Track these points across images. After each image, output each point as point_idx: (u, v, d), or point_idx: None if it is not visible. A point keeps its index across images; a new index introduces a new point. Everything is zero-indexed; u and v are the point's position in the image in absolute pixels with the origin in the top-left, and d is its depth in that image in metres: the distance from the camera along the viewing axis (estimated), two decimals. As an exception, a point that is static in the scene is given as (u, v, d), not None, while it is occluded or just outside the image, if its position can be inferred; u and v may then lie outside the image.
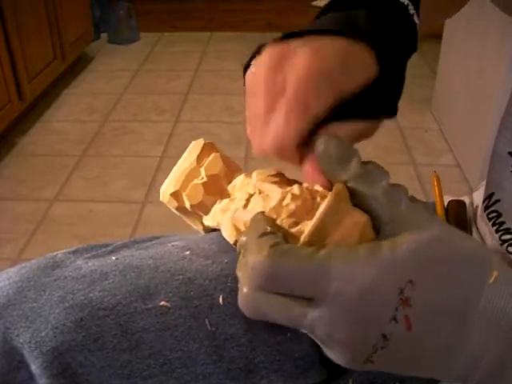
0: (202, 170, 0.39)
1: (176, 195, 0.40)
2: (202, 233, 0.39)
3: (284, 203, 0.33)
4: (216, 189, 0.38)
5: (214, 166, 0.38)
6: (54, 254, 0.53)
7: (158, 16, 3.56)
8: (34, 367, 0.46)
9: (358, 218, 0.32)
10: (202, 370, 0.48)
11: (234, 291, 0.49)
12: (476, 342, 0.31)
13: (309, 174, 0.36)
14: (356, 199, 0.34)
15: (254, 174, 0.37)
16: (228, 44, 3.22)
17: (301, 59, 0.35)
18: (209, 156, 0.39)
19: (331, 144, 0.35)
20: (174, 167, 0.40)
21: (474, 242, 0.34)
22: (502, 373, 0.31)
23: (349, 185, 0.34)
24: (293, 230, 0.32)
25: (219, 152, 0.39)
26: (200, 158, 0.40)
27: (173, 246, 0.54)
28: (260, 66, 0.38)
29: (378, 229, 0.33)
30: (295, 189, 0.33)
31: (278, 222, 0.33)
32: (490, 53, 1.78)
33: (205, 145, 0.40)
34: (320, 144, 0.35)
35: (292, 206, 0.33)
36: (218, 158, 0.38)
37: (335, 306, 0.30)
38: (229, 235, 0.36)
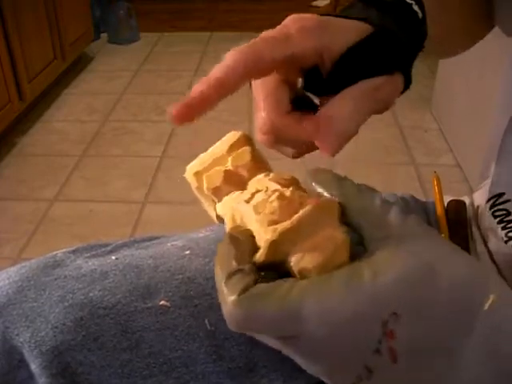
0: (229, 159, 0.39)
1: (198, 175, 0.40)
2: (215, 220, 0.39)
3: (270, 199, 0.33)
4: (236, 180, 0.38)
5: (241, 158, 0.38)
6: (54, 253, 0.53)
7: (158, 16, 3.56)
8: (34, 366, 0.46)
9: (338, 234, 0.30)
10: (201, 370, 0.48)
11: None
12: (469, 375, 0.29)
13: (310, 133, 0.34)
14: (347, 217, 0.32)
15: (272, 174, 0.37)
16: (228, 44, 3.17)
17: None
18: (240, 148, 0.39)
19: (321, 172, 0.34)
20: (205, 152, 0.40)
21: (469, 266, 0.30)
22: None
23: (341, 201, 0.32)
24: (269, 228, 0.31)
25: (252, 146, 0.39)
26: (231, 148, 0.40)
27: (172, 245, 0.54)
28: None
29: (365, 246, 0.31)
30: (287, 191, 0.33)
31: (259, 217, 0.32)
32: (490, 52, 1.78)
33: (240, 137, 0.40)
34: (310, 175, 0.34)
35: (275, 204, 0.32)
36: (247, 152, 0.38)
37: (310, 344, 0.29)
38: (226, 224, 0.36)
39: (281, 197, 0.32)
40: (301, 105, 0.37)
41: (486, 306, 0.29)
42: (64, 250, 0.54)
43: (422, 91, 2.57)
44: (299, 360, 0.31)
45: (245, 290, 0.29)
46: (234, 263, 0.31)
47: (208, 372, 0.48)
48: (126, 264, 0.51)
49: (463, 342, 0.29)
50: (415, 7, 0.39)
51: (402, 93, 0.38)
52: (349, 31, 0.35)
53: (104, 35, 3.30)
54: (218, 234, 0.56)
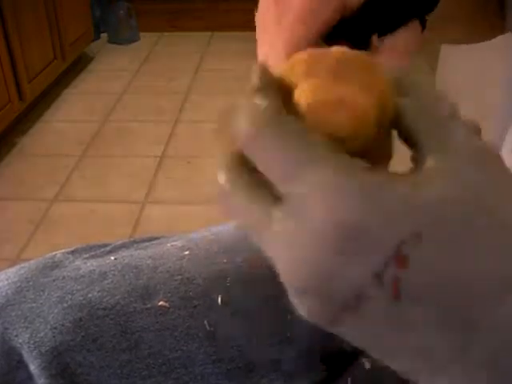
0: None
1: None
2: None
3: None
4: None
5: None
6: (53, 254, 0.53)
7: (158, 16, 3.56)
8: (33, 367, 0.46)
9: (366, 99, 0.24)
10: (200, 370, 0.48)
11: (232, 291, 0.49)
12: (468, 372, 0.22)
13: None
14: (403, 118, 0.25)
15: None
16: (228, 44, 3.22)
17: None
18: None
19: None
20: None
21: None
22: None
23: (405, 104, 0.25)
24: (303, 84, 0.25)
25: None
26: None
27: (172, 245, 0.54)
28: None
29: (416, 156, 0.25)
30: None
31: (289, 71, 0.26)
32: (490, 52, 1.78)
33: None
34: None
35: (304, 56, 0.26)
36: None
37: (302, 211, 0.22)
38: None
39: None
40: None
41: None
42: (63, 250, 0.54)
43: (422, 91, 2.57)
44: (280, 245, 0.23)
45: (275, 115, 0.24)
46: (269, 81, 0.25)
47: (207, 373, 0.48)
48: (125, 264, 0.51)
49: (489, 313, 0.22)
50: None
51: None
52: None
53: (104, 35, 3.30)
54: (217, 235, 0.56)
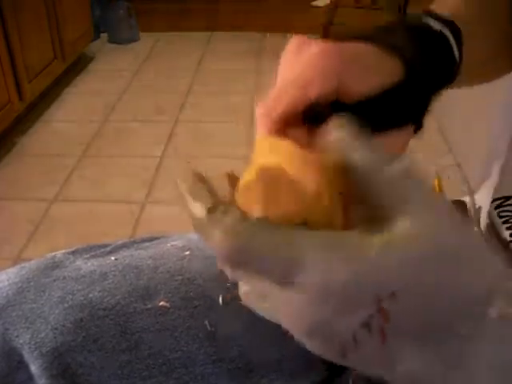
0: None
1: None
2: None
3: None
4: None
5: None
6: (54, 254, 0.53)
7: (158, 16, 3.56)
8: (34, 368, 0.46)
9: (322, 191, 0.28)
10: (201, 371, 0.48)
11: (232, 291, 0.49)
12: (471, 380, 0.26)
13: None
14: (359, 179, 0.29)
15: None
16: (228, 44, 3.22)
17: (316, 45, 0.35)
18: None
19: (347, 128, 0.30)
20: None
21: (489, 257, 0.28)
22: None
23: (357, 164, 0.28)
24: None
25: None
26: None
27: (172, 246, 0.54)
28: (284, 52, 0.38)
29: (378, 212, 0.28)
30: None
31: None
32: (490, 52, 1.78)
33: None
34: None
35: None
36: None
37: (300, 294, 0.27)
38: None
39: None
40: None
41: (493, 315, 0.26)
42: (63, 250, 0.54)
43: (422, 91, 2.57)
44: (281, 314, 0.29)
45: (238, 221, 0.27)
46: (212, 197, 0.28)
47: (208, 373, 0.48)
48: (126, 265, 0.51)
49: (465, 345, 0.26)
50: (455, 51, 0.39)
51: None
52: (374, 73, 0.35)
53: (104, 35, 3.30)
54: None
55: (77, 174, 2.06)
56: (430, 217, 0.27)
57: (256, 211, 0.28)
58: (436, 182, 0.62)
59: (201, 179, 0.30)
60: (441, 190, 0.61)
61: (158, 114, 2.49)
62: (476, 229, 0.57)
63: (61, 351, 0.46)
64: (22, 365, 0.47)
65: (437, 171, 0.65)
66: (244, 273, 0.28)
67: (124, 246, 0.55)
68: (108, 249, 0.54)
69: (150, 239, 0.57)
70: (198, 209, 0.28)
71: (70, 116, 2.48)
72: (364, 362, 0.28)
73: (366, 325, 0.26)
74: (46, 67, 2.43)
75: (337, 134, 0.30)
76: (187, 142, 2.26)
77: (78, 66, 2.90)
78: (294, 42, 0.37)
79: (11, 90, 2.12)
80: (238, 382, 0.48)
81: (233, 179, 0.32)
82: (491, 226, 0.54)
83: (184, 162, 2.11)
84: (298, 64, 0.36)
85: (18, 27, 2.15)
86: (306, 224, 0.28)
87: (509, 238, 0.51)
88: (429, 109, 0.39)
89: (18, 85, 2.17)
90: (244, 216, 0.27)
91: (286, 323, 0.29)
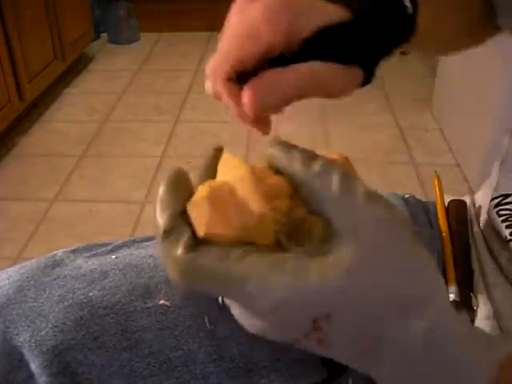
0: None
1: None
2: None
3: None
4: None
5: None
6: (54, 253, 0.53)
7: (158, 16, 3.56)
8: (34, 366, 0.46)
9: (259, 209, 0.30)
10: (201, 369, 0.48)
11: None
12: (382, 373, 0.32)
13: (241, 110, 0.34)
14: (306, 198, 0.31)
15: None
16: (228, 44, 3.21)
17: None
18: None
19: (281, 147, 0.32)
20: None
21: (412, 275, 0.30)
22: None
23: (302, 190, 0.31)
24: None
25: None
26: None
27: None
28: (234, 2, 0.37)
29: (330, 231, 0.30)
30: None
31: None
32: (490, 52, 1.78)
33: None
34: (274, 152, 0.32)
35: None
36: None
37: (248, 310, 0.30)
38: None
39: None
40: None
41: (411, 331, 0.29)
42: (64, 249, 0.54)
43: (421, 91, 2.57)
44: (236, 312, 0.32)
45: (187, 249, 0.29)
46: (168, 213, 0.30)
47: (208, 372, 0.48)
48: (126, 263, 0.51)
49: (382, 349, 0.30)
50: (407, 2, 0.37)
51: (363, 86, 0.38)
52: (322, 13, 0.34)
53: (104, 35, 3.30)
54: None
55: (77, 174, 2.06)
56: (368, 241, 0.29)
57: (201, 230, 0.30)
58: (435, 182, 0.62)
59: (179, 178, 0.32)
60: (440, 189, 0.61)
61: (158, 114, 2.49)
62: (474, 228, 0.57)
63: (61, 349, 0.46)
64: (22, 363, 0.47)
65: (437, 171, 0.65)
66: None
67: (124, 245, 0.55)
68: (109, 248, 0.54)
69: (150, 239, 0.58)
70: (160, 225, 0.30)
71: (70, 116, 2.48)
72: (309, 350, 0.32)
73: (306, 335, 0.30)
74: (46, 67, 2.43)
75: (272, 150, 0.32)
76: (187, 142, 2.26)
77: (78, 65, 2.90)
78: None
79: (11, 90, 2.11)
80: (238, 381, 0.48)
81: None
82: (490, 224, 0.54)
83: (184, 162, 2.11)
84: (246, 14, 0.35)
85: (18, 27, 2.15)
86: (250, 243, 0.30)
87: (508, 237, 0.51)
88: (382, 59, 0.37)
89: (18, 85, 2.17)
90: (191, 241, 0.29)
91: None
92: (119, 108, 2.54)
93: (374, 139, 2.23)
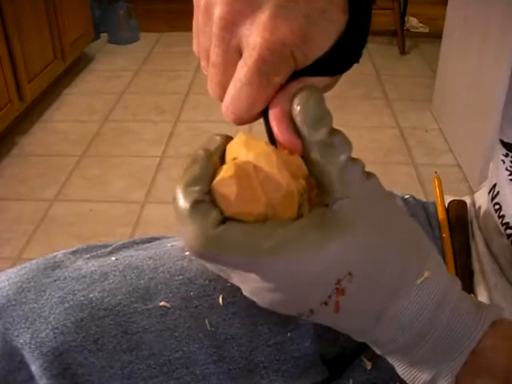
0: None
1: None
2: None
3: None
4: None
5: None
6: (54, 254, 0.53)
7: (158, 16, 3.56)
8: (34, 368, 0.46)
9: (286, 185, 0.31)
10: (202, 371, 0.48)
11: (233, 291, 0.49)
12: (385, 336, 0.34)
13: (279, 134, 0.33)
14: (311, 165, 0.33)
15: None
16: (228, 44, 3.21)
17: (260, 25, 0.32)
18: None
19: (311, 101, 0.32)
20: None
21: (410, 240, 0.34)
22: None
23: (311, 153, 0.33)
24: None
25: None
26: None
27: (173, 246, 0.54)
28: (216, 12, 0.33)
29: (327, 202, 0.33)
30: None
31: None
32: (489, 52, 1.78)
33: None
34: (301, 99, 0.33)
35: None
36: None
37: (264, 283, 0.31)
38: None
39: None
40: None
41: (418, 281, 0.33)
42: (64, 251, 0.54)
43: (421, 91, 2.57)
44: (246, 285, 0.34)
45: (215, 224, 0.30)
46: (197, 188, 0.31)
47: (208, 373, 0.48)
48: (126, 265, 0.50)
49: (391, 308, 0.33)
50: None
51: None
52: (326, 37, 0.33)
53: (104, 35, 3.30)
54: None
55: (77, 174, 2.06)
56: (376, 213, 0.33)
57: (228, 209, 0.31)
58: (436, 183, 0.62)
59: (205, 154, 0.33)
60: (440, 190, 0.61)
61: (158, 113, 2.49)
62: (474, 229, 0.57)
63: (61, 351, 0.46)
64: (22, 365, 0.47)
65: (437, 172, 0.65)
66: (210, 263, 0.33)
67: (124, 246, 0.55)
68: (108, 249, 0.54)
69: (150, 240, 0.57)
70: (184, 199, 0.31)
71: (70, 116, 2.48)
72: (318, 322, 0.34)
73: (325, 303, 0.32)
74: (46, 67, 2.43)
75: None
76: (187, 141, 2.26)
77: (78, 65, 2.90)
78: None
79: (11, 90, 2.11)
80: (238, 382, 0.48)
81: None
82: (490, 224, 0.54)
83: (184, 162, 2.10)
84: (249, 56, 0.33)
85: (18, 27, 2.15)
86: (275, 218, 0.31)
87: (505, 234, 0.51)
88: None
89: (17, 85, 2.17)
90: (219, 217, 0.30)
91: (246, 294, 0.34)
92: (119, 108, 2.54)
93: (374, 139, 2.23)
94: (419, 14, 3.37)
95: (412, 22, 3.34)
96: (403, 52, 3.04)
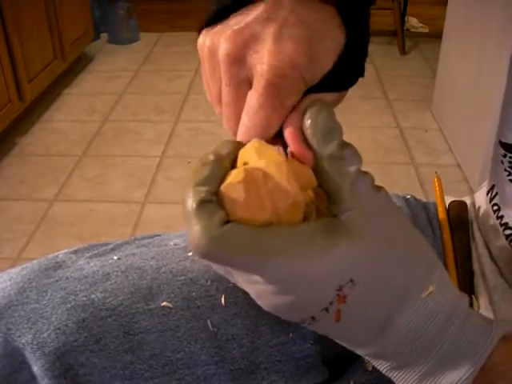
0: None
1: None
2: None
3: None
4: None
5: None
6: (56, 254, 0.53)
7: (158, 16, 3.56)
8: (36, 368, 0.46)
9: (293, 193, 0.32)
10: (203, 371, 0.48)
11: (235, 292, 0.49)
12: (390, 348, 0.33)
13: (291, 146, 0.34)
14: (321, 177, 0.33)
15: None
16: (228, 44, 3.21)
17: (265, 52, 0.33)
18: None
19: (322, 115, 0.33)
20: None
21: (418, 254, 0.34)
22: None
23: (321, 165, 0.33)
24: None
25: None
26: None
27: (175, 246, 0.54)
28: (221, 52, 0.36)
29: (336, 213, 0.33)
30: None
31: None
32: (489, 52, 1.78)
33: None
34: (311, 113, 0.34)
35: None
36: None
37: (267, 285, 0.32)
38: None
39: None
40: None
41: (423, 295, 0.33)
42: (65, 250, 0.54)
43: (421, 91, 2.57)
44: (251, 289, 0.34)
45: (220, 224, 0.30)
46: (205, 189, 0.31)
47: (210, 373, 0.48)
48: (128, 265, 0.51)
49: (395, 318, 0.33)
50: None
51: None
52: (329, 56, 0.35)
53: (104, 35, 3.30)
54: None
55: (77, 174, 2.06)
56: (381, 220, 0.33)
57: (234, 213, 0.31)
58: (436, 183, 0.62)
59: (215, 157, 0.33)
60: (441, 190, 0.61)
61: (158, 114, 2.49)
62: (474, 229, 0.57)
63: (63, 351, 0.46)
64: (24, 365, 0.47)
65: (437, 172, 0.65)
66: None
67: (125, 243, 0.55)
68: (110, 247, 0.54)
69: (151, 236, 0.57)
70: (192, 198, 0.31)
71: (70, 116, 2.48)
72: (321, 331, 0.34)
73: (326, 309, 0.32)
74: (46, 67, 2.43)
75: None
76: (187, 141, 2.26)
77: (78, 65, 2.90)
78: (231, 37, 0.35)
79: (11, 90, 2.11)
80: (239, 383, 0.48)
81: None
82: (489, 224, 0.54)
83: (184, 161, 2.11)
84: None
85: (18, 27, 2.15)
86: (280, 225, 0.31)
87: (503, 235, 0.51)
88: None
89: (17, 85, 2.17)
90: (224, 220, 0.31)
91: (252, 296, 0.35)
92: (119, 108, 2.54)
93: (374, 139, 2.23)
94: (419, 14, 3.37)
95: (412, 22, 3.34)
96: (403, 52, 3.04)
